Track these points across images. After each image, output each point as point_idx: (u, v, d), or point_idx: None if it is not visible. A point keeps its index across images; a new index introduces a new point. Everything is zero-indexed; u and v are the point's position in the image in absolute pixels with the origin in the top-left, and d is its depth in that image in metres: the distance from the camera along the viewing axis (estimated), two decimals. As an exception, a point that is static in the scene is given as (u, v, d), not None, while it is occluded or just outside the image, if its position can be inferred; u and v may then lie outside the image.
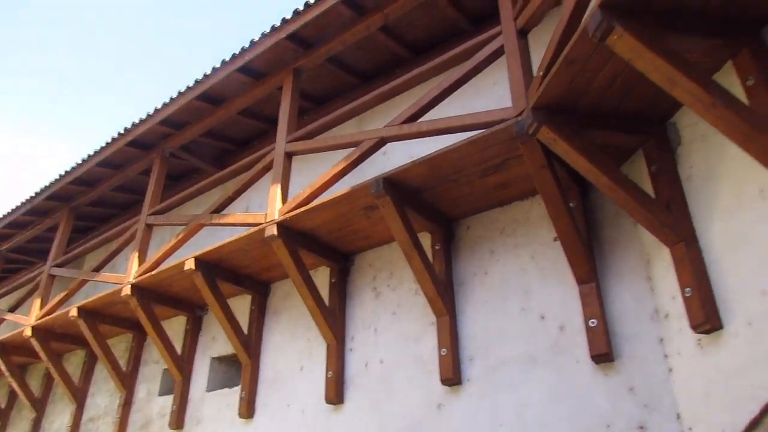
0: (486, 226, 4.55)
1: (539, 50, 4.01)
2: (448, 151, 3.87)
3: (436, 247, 4.65)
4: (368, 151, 4.51)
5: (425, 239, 4.69)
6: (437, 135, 4.09)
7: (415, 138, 4.28)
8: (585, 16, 2.90)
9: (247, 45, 5.58)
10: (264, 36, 5.48)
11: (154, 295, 6.21)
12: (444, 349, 4.18)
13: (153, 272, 5.87)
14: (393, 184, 4.17)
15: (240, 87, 6.11)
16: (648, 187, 3.50)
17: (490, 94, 4.85)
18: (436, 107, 4.26)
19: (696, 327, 2.98)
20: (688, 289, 3.06)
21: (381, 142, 4.45)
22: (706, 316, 2.91)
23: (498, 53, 3.92)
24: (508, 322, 4.07)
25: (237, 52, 5.66)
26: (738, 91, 2.82)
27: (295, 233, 4.87)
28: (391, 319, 4.80)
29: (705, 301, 2.95)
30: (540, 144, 3.47)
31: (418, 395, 4.30)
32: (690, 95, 2.62)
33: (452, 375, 4.07)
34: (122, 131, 6.91)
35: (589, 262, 3.69)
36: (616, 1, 2.66)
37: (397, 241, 4.31)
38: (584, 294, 3.70)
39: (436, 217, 4.62)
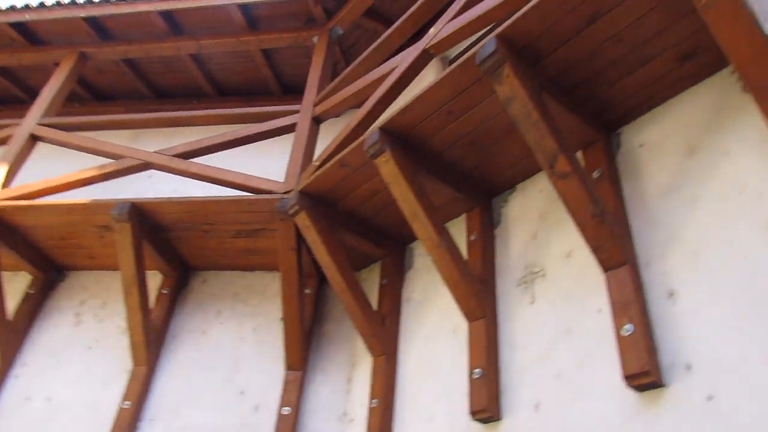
0: (223, 285, 4.43)
1: (328, 140, 4.25)
2: (210, 201, 3.76)
3: (164, 291, 4.35)
4: (128, 169, 4.16)
5: (155, 279, 4.37)
6: (204, 181, 3.96)
7: (181, 176, 4.08)
8: (367, 131, 3.18)
9: (34, 3, 4.90)
10: (58, 4, 4.87)
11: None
12: (128, 402, 3.80)
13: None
14: (140, 212, 3.86)
15: (8, 43, 5.26)
16: (374, 297, 3.80)
17: (273, 162, 4.91)
18: (214, 154, 4.16)
19: (369, 438, 3.20)
20: (375, 400, 3.31)
21: (144, 166, 4.15)
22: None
23: (290, 129, 4.04)
24: (208, 388, 3.90)
25: (18, 6, 4.92)
26: (462, 242, 3.30)
27: (6, 226, 4.16)
28: (84, 354, 4.25)
29: (384, 415, 3.21)
30: (295, 226, 3.57)
31: None
32: (424, 231, 2.97)
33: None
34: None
35: (303, 350, 3.79)
36: (394, 130, 2.96)
37: (121, 272, 3.93)
38: (288, 380, 3.75)
39: (175, 261, 4.37)
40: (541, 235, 2.95)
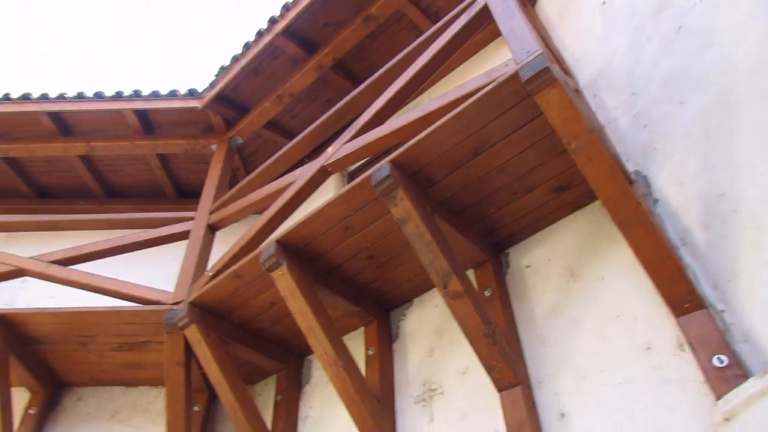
0: (100, 403, 4.01)
1: (223, 248, 4.14)
2: (89, 312, 3.49)
3: (30, 411, 3.86)
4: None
5: (22, 396, 3.89)
6: (86, 290, 3.68)
7: (60, 284, 3.76)
8: (263, 243, 3.14)
9: None
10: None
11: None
12: None
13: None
14: (8, 324, 3.50)
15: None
16: (268, 415, 3.59)
17: (162, 269, 4.69)
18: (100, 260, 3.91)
19: None
20: None
21: (18, 273, 3.80)
22: None
23: (183, 236, 3.90)
24: None
25: None
26: (360, 357, 3.24)
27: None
28: None
29: None
30: (184, 339, 3.36)
31: None
32: (320, 346, 2.89)
33: None
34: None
35: (190, 478, 3.45)
36: (291, 244, 2.95)
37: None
38: None
39: (46, 375, 3.93)
40: (438, 352, 2.97)
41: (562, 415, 2.30)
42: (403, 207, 2.49)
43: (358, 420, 2.84)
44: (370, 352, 3.26)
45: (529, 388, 2.45)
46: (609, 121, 2.75)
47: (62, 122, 4.67)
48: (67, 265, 3.77)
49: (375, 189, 2.55)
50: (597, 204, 2.72)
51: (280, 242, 2.93)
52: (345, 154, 2.99)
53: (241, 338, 3.50)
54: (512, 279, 2.88)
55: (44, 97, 4.52)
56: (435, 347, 3.03)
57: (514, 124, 2.42)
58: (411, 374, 3.05)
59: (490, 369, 2.44)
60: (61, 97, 4.51)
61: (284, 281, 2.90)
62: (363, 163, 4.55)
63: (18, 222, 4.18)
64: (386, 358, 3.20)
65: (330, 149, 3.12)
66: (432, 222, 2.55)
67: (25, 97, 4.52)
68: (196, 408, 3.78)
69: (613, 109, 2.75)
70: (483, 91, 2.33)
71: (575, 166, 2.42)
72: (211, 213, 3.97)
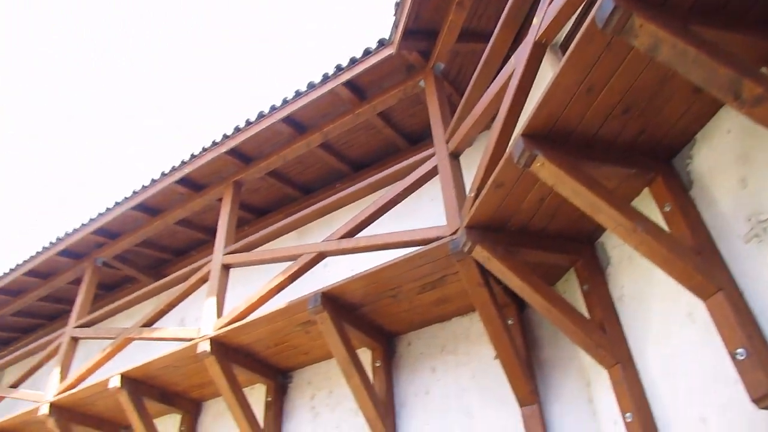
0: (427, 342, 4.44)
1: (472, 170, 4.16)
2: (385, 267, 3.83)
3: (377, 365, 4.48)
4: (307, 265, 4.42)
5: (366, 355, 4.52)
6: (375, 251, 4.07)
7: (353, 253, 4.24)
8: (510, 143, 3.03)
9: (187, 158, 5.57)
10: (204, 150, 5.50)
11: (75, 414, 5.69)
12: (384, 480, 3.89)
13: (74, 390, 5.40)
14: (331, 299, 4.06)
15: (178, 198, 6.04)
16: (582, 307, 3.52)
17: (427, 211, 4.94)
18: (375, 222, 4.27)
19: (638, 455, 2.88)
20: (628, 414, 2.99)
21: (319, 257, 4.38)
22: (648, 444, 2.82)
23: (432, 173, 4.02)
24: (451, 448, 3.86)
25: (176, 165, 5.63)
26: (657, 217, 2.94)
27: (229, 349, 4.62)
28: (329, 444, 4.49)
29: (646, 427, 2.88)
30: (475, 262, 3.48)
31: None
32: (611, 220, 2.70)
33: None
34: (54, 241, 6.61)
35: (530, 383, 3.60)
36: (537, 131, 2.79)
37: (336, 359, 4.13)
38: (527, 416, 3.57)
39: (377, 332, 4.50)
40: (754, 178, 2.51)
41: None
42: (647, 32, 2.12)
43: (684, 280, 2.57)
44: (667, 209, 2.93)
45: None
46: None
47: (294, 122, 5.21)
48: (352, 237, 4.20)
49: (604, 31, 2.23)
50: None
51: (526, 134, 2.79)
52: (553, 16, 2.69)
53: (526, 243, 3.48)
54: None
55: (273, 108, 5.10)
56: (746, 175, 2.56)
57: None
58: (728, 213, 2.64)
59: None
60: (285, 102, 5.03)
61: (546, 170, 2.76)
62: (570, 29, 4.09)
63: (300, 218, 4.81)
64: (687, 208, 2.83)
65: (535, 21, 2.85)
66: (689, 33, 2.12)
67: (261, 115, 5.16)
68: (509, 321, 3.90)
69: None
70: None
71: None
72: (447, 142, 4.01)
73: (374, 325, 4.47)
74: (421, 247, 3.78)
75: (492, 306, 3.55)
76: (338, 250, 4.24)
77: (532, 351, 3.86)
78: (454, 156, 4.00)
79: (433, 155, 4.10)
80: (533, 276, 3.31)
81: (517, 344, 3.68)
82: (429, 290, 4.08)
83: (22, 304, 7.58)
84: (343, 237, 4.24)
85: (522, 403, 3.60)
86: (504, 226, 3.45)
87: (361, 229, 4.27)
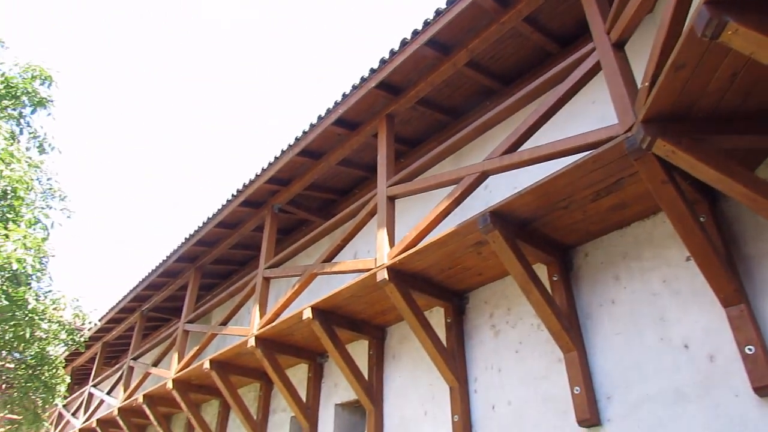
0: (606, 251, 4.25)
1: (637, 61, 3.77)
2: (555, 177, 3.68)
3: (554, 279, 4.40)
4: (470, 186, 4.41)
5: (541, 271, 4.47)
6: (541, 162, 3.91)
7: (517, 168, 4.12)
8: (690, 16, 2.67)
9: (339, 99, 5.75)
10: (354, 88, 5.62)
11: (277, 345, 6.44)
12: (577, 388, 3.89)
13: (273, 323, 6.08)
14: (501, 217, 4.03)
15: (337, 139, 6.30)
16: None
17: (590, 115, 4.62)
18: (533, 135, 4.10)
19: None
20: None
21: (482, 176, 4.34)
22: None
23: (594, 71, 3.71)
24: (646, 354, 3.72)
25: (331, 107, 5.85)
26: None
27: (406, 275, 4.84)
28: (514, 358, 4.58)
29: None
30: (657, 158, 3.19)
31: (554, 438, 4.02)
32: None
33: (589, 415, 3.77)
34: (234, 193, 7.35)
35: (733, 281, 3.29)
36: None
37: (512, 276, 4.13)
38: (733, 317, 3.29)
39: (551, 246, 4.40)
40: None
41: None
42: None
43: None
44: None
45: None
46: None
47: (438, 44, 5.08)
48: (513, 150, 4.08)
49: None
50: None
51: (709, 1, 2.42)
52: None
53: (715, 128, 3.11)
54: None
55: (415, 33, 5.02)
56: None
57: None
58: None
59: None
60: (426, 24, 4.91)
61: (740, 38, 2.37)
62: None
63: (457, 141, 4.78)
64: None
65: None
66: None
67: (404, 42, 5.11)
68: (702, 218, 3.57)
69: None
70: None
71: None
72: (608, 33, 3.65)
73: (547, 240, 4.37)
74: (591, 151, 3.56)
75: (681, 203, 3.26)
76: (501, 167, 4.16)
77: (732, 247, 3.51)
78: (619, 46, 3.63)
79: (593, 51, 3.77)
80: (730, 163, 2.96)
81: (713, 242, 3.36)
82: (604, 196, 3.86)
83: (217, 253, 8.64)
84: (504, 153, 4.13)
85: (726, 303, 3.32)
86: (687, 113, 3.10)
87: (522, 143, 4.13)
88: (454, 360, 4.89)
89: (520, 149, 4.10)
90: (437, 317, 5.27)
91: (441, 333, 5.10)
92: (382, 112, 5.82)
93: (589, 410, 3.79)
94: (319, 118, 6.02)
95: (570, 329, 4.05)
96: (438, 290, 5.11)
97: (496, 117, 4.55)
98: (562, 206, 3.97)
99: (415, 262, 4.72)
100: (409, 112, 6.02)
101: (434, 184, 4.82)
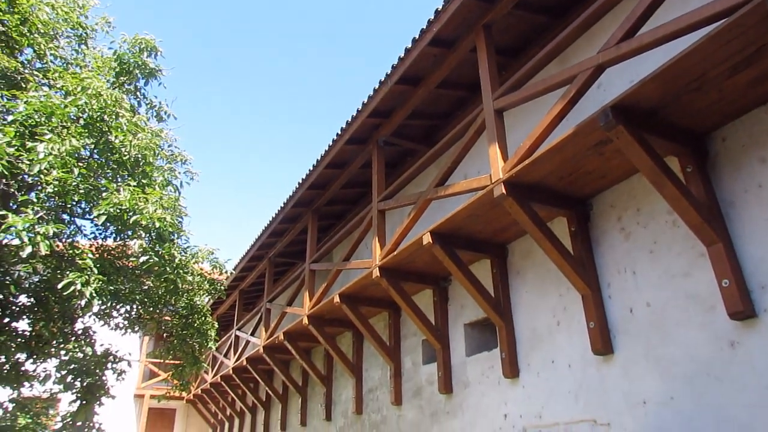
0: (748, 131, 3.86)
1: None
2: (686, 54, 3.34)
3: (688, 170, 4.08)
4: (585, 83, 4.13)
5: (672, 164, 4.16)
6: (666, 42, 3.56)
7: (638, 54, 3.78)
8: None
9: (432, 16, 5.56)
10: (447, 2, 5.39)
11: (400, 273, 6.65)
12: (726, 280, 3.66)
13: (395, 253, 6.26)
14: (623, 110, 3.76)
15: (433, 61, 6.14)
16: None
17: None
18: (652, 16, 3.73)
19: None
20: None
21: (598, 71, 4.04)
22: None
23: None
24: (806, 236, 3.40)
25: (424, 26, 5.67)
26: None
27: (524, 188, 4.73)
28: (649, 258, 4.38)
29: None
30: (811, 12, 2.80)
31: (702, 335, 3.85)
32: None
33: (743, 307, 3.55)
34: (339, 131, 7.48)
35: None
36: None
37: (642, 172, 3.90)
38: None
39: (681, 135, 4.06)
40: None
41: None
42: None
43: None
44: None
45: None
46: None
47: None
48: (631, 37, 3.75)
49: None
50: None
51: None
52: None
53: None
54: None
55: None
56: None
57: None
58: None
59: None
60: None
61: None
62: None
63: (563, 39, 4.48)
64: None
65: None
66: None
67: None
68: None
69: None
70: None
71: None
72: None
73: (677, 128, 4.04)
74: (724, 19, 3.18)
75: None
76: (619, 57, 3.84)
77: None
78: None
79: None
80: None
81: None
82: (742, 70, 3.46)
83: (330, 194, 8.95)
84: (621, 41, 3.81)
85: None
86: None
87: (640, 27, 3.78)
88: (583, 268, 4.77)
89: (638, 33, 3.76)
90: (560, 228, 5.14)
91: (566, 243, 4.97)
92: (477, 24, 5.56)
93: (741, 302, 3.56)
94: (414, 40, 5.87)
95: (712, 220, 3.78)
96: (559, 199, 4.94)
97: (603, 6, 4.19)
98: (693, 88, 3.63)
99: (532, 173, 4.57)
100: (507, 19, 5.69)
101: (544, 89, 4.58)
